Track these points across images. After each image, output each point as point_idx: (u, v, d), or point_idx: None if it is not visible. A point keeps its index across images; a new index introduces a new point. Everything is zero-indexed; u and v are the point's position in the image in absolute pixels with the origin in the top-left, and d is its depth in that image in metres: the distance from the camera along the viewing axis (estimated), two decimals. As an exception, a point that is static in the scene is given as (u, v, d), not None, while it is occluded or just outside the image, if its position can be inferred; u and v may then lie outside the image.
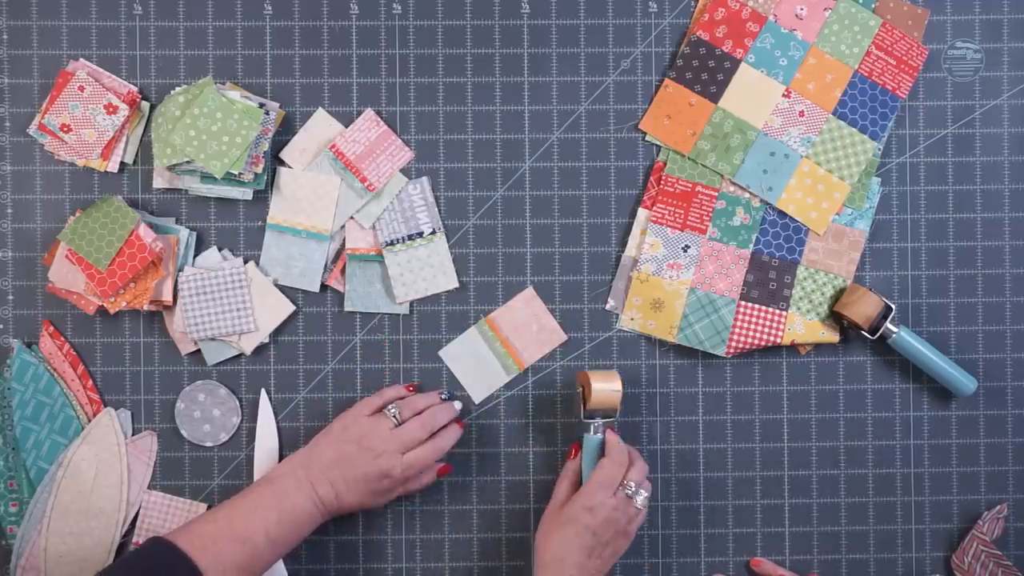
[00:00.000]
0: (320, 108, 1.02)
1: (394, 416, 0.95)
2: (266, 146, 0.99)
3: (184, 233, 1.00)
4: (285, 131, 1.02)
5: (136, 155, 1.01)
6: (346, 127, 1.02)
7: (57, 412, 1.00)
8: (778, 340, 1.01)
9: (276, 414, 1.02)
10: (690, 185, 1.02)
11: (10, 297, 1.01)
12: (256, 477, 1.00)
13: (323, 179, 1.01)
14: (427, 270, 1.01)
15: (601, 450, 0.96)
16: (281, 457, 1.01)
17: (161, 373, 1.01)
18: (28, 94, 1.01)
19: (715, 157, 1.02)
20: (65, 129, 0.99)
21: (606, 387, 0.96)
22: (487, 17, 1.03)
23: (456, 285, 1.01)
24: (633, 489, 0.93)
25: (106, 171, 1.01)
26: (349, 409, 0.97)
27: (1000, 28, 1.04)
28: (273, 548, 0.89)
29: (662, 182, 1.02)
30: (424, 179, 1.02)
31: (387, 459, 0.93)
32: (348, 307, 1.02)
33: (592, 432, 0.97)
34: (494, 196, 1.03)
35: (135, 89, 1.01)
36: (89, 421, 1.00)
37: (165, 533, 0.87)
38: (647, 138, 1.03)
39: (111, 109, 0.99)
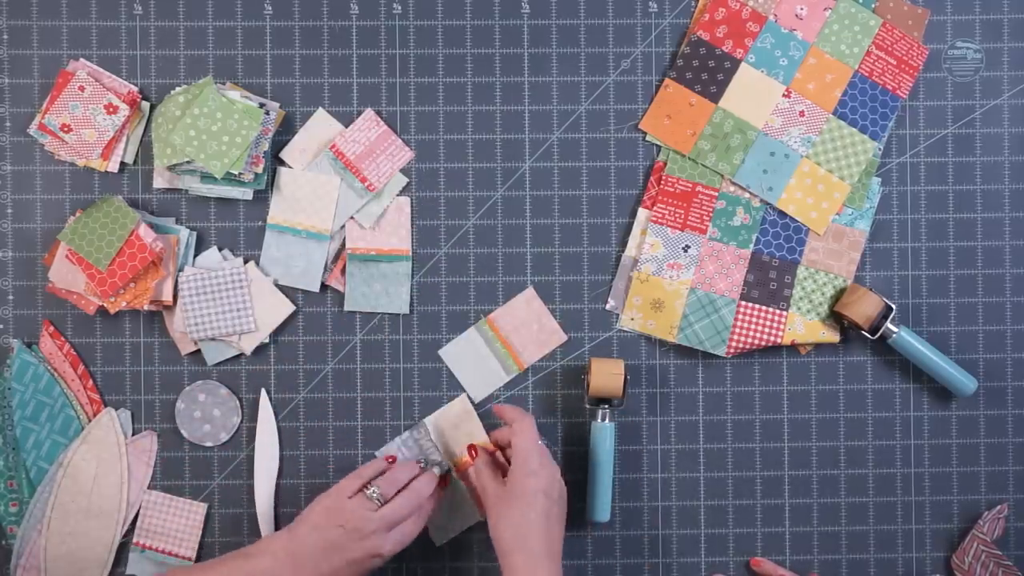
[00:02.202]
0: (320, 108, 1.02)
1: (376, 498, 0.93)
2: (266, 146, 0.99)
3: (184, 233, 1.00)
4: (285, 131, 1.02)
5: (136, 155, 1.01)
6: (346, 127, 1.02)
7: (57, 412, 1.00)
8: (778, 340, 1.01)
9: (276, 414, 1.02)
10: (690, 185, 1.02)
11: (10, 297, 1.01)
12: (256, 477, 1.01)
13: (323, 179, 1.01)
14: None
15: (600, 444, 0.97)
16: (281, 457, 1.01)
17: (161, 373, 1.01)
18: (28, 94, 1.01)
19: (715, 157, 1.02)
20: (65, 129, 0.99)
21: (608, 371, 0.97)
22: (487, 17, 1.03)
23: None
24: (546, 442, 0.93)
25: (106, 171, 1.01)
26: (328, 491, 0.94)
27: (1000, 28, 1.04)
28: None
29: (662, 182, 1.02)
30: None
31: (375, 540, 0.92)
32: (348, 307, 1.02)
33: (600, 420, 0.98)
34: (494, 196, 1.03)
35: (135, 89, 1.01)
36: (89, 421, 1.00)
37: None
38: (647, 138, 1.03)
39: (111, 109, 0.99)
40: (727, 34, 1.02)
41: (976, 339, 1.04)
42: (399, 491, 0.94)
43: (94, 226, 0.97)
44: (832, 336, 1.02)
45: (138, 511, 1.00)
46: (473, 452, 0.96)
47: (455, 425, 1.01)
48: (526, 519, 0.89)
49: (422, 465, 0.98)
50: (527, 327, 1.02)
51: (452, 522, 1.01)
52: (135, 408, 1.01)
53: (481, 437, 1.01)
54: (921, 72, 1.03)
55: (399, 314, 1.02)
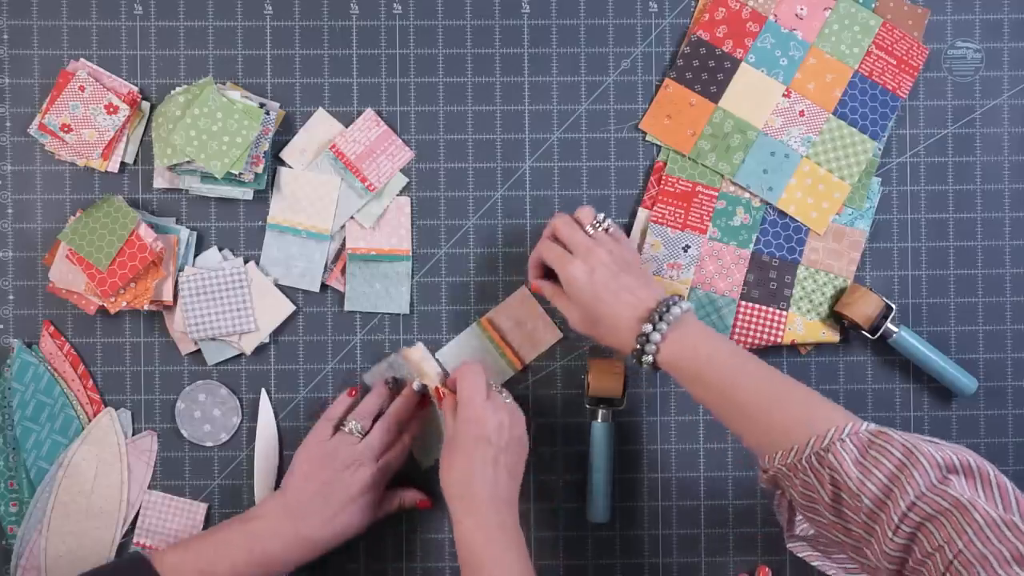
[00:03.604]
0: (320, 108, 1.02)
1: (357, 431, 0.94)
2: (266, 146, 0.99)
3: (184, 233, 1.00)
4: (285, 131, 1.02)
5: (136, 155, 1.01)
6: (346, 127, 1.02)
7: (57, 412, 1.00)
8: (778, 340, 1.01)
9: (276, 414, 1.02)
10: (690, 185, 1.02)
11: (10, 297, 1.01)
12: (256, 477, 1.01)
13: (323, 179, 1.01)
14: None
15: (602, 440, 0.97)
16: (281, 457, 1.01)
17: (161, 373, 1.01)
18: (28, 94, 1.01)
19: (715, 157, 1.02)
20: (65, 129, 0.99)
21: (608, 371, 0.97)
22: (487, 17, 1.03)
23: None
24: (500, 390, 0.92)
25: (106, 171, 1.01)
26: (304, 443, 0.95)
27: (1000, 28, 1.04)
28: None
29: (662, 182, 1.02)
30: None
31: (365, 471, 0.92)
32: (348, 307, 1.02)
33: (599, 420, 0.98)
34: (494, 196, 1.03)
35: (135, 89, 1.01)
36: (89, 421, 1.00)
37: (142, 552, 0.89)
38: (647, 138, 1.03)
39: (111, 109, 0.99)
40: (727, 34, 1.02)
41: (976, 339, 1.04)
42: (375, 420, 0.95)
43: (94, 226, 0.97)
44: (832, 336, 1.02)
45: (138, 511, 1.00)
46: (439, 394, 0.94)
47: (417, 367, 0.98)
48: (469, 466, 0.87)
49: (389, 386, 0.98)
50: (522, 326, 1.02)
51: (437, 443, 1.00)
52: (135, 408, 1.01)
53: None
54: (921, 72, 1.03)
55: (399, 314, 1.02)
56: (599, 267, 0.89)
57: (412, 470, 1.01)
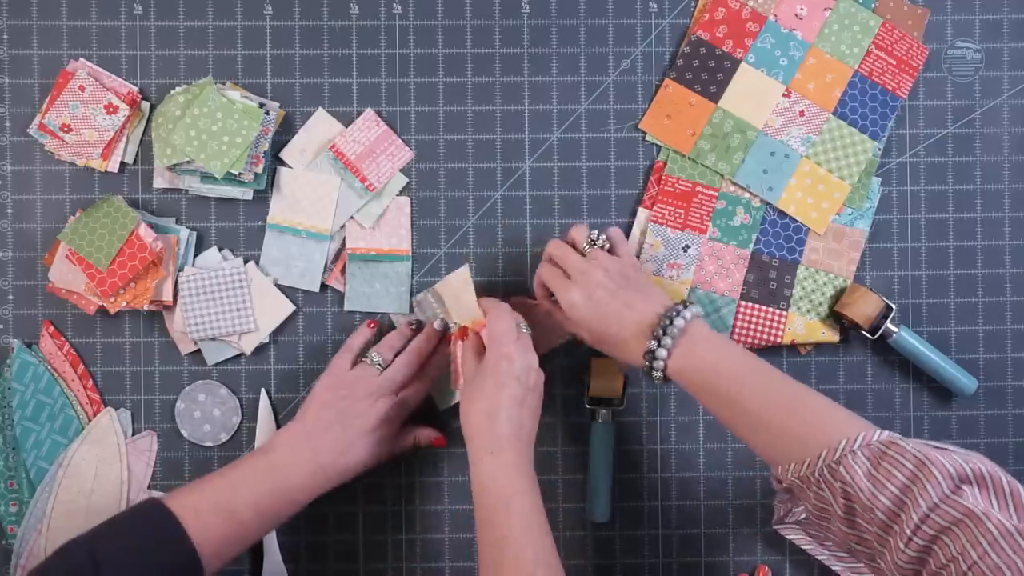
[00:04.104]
0: (320, 108, 1.02)
1: (378, 363, 0.94)
2: (266, 146, 0.99)
3: (184, 233, 1.00)
4: (285, 131, 1.02)
5: (136, 155, 1.01)
6: (346, 127, 1.02)
7: (57, 412, 1.00)
8: (778, 340, 1.01)
9: (276, 414, 1.02)
10: (690, 185, 1.02)
11: (10, 297, 1.01)
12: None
13: (323, 179, 1.01)
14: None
15: (602, 439, 0.97)
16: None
17: (161, 373, 1.01)
18: (28, 94, 1.01)
19: (715, 157, 1.02)
20: (65, 129, 0.99)
21: (608, 371, 0.97)
22: (487, 17, 1.03)
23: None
24: (519, 325, 0.91)
25: (106, 171, 1.01)
26: (325, 372, 0.95)
27: (1000, 28, 1.04)
28: (262, 521, 0.88)
29: (662, 182, 1.02)
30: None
31: (383, 404, 0.92)
32: (348, 307, 1.02)
33: (599, 420, 0.98)
34: (494, 196, 1.03)
35: (135, 89, 1.01)
36: (89, 421, 1.00)
37: (161, 496, 0.86)
38: (647, 138, 1.03)
39: (111, 109, 0.99)
40: (727, 34, 1.02)
41: (976, 339, 1.04)
42: (397, 354, 0.95)
43: (94, 226, 0.97)
44: (832, 336, 1.02)
45: (138, 511, 1.00)
46: (463, 335, 0.94)
47: (456, 296, 0.99)
48: (495, 404, 0.86)
49: (412, 326, 0.98)
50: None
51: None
52: (135, 408, 1.01)
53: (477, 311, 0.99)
54: (921, 72, 1.03)
55: (399, 314, 1.02)
56: (597, 289, 0.88)
57: (429, 413, 1.01)
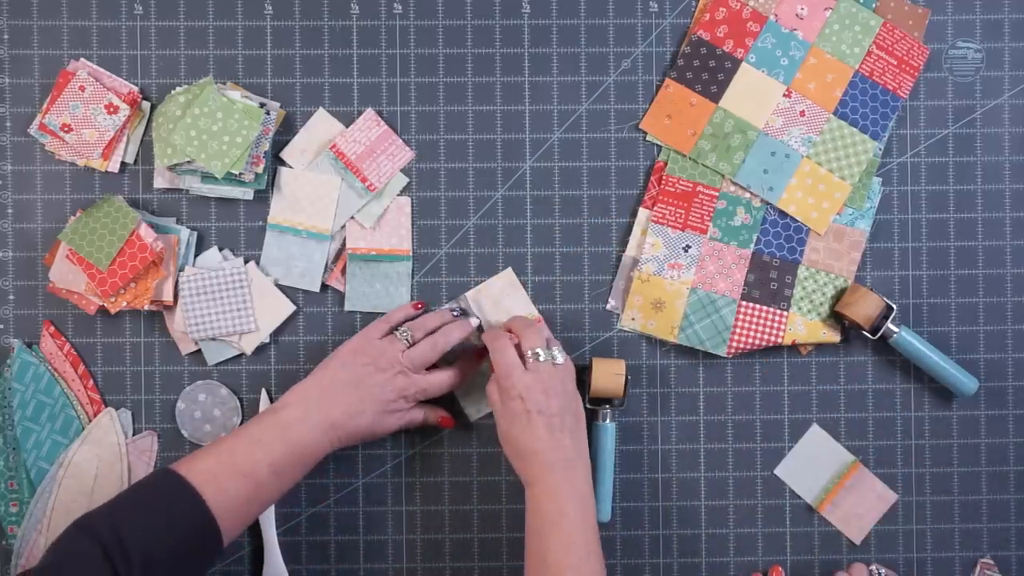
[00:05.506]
0: (321, 108, 1.02)
1: (406, 339, 0.94)
2: (267, 146, 0.99)
3: (185, 233, 1.00)
4: (285, 131, 1.02)
5: (137, 155, 1.01)
6: (347, 127, 1.02)
7: (58, 412, 1.00)
8: (779, 340, 1.01)
9: (276, 414, 1.02)
10: (691, 185, 1.02)
11: (11, 297, 1.01)
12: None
13: (323, 179, 1.01)
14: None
15: (606, 441, 0.97)
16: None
17: (162, 373, 1.01)
18: (29, 94, 1.01)
19: (716, 157, 1.02)
20: (66, 129, 0.99)
21: (608, 371, 0.97)
22: (487, 17, 1.03)
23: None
24: (539, 353, 0.91)
25: (107, 171, 1.01)
26: (358, 334, 0.96)
27: (1001, 28, 1.04)
28: (279, 480, 0.88)
29: (663, 182, 1.02)
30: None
31: (402, 380, 0.93)
32: (348, 307, 1.02)
33: (600, 420, 0.98)
34: (494, 196, 1.03)
35: (136, 89, 1.01)
36: (90, 421, 1.00)
37: (173, 464, 0.86)
38: (648, 138, 1.03)
39: (112, 109, 0.99)
40: (727, 34, 1.02)
41: (977, 339, 1.04)
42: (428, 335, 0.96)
43: (94, 226, 0.97)
44: (833, 336, 1.02)
45: (138, 511, 1.00)
46: (478, 355, 0.96)
47: (496, 301, 0.99)
48: (526, 436, 0.89)
49: (456, 313, 0.98)
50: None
51: (484, 400, 1.00)
52: (135, 408, 1.01)
53: (528, 309, 1.00)
54: (922, 72, 1.03)
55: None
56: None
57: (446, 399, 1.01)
